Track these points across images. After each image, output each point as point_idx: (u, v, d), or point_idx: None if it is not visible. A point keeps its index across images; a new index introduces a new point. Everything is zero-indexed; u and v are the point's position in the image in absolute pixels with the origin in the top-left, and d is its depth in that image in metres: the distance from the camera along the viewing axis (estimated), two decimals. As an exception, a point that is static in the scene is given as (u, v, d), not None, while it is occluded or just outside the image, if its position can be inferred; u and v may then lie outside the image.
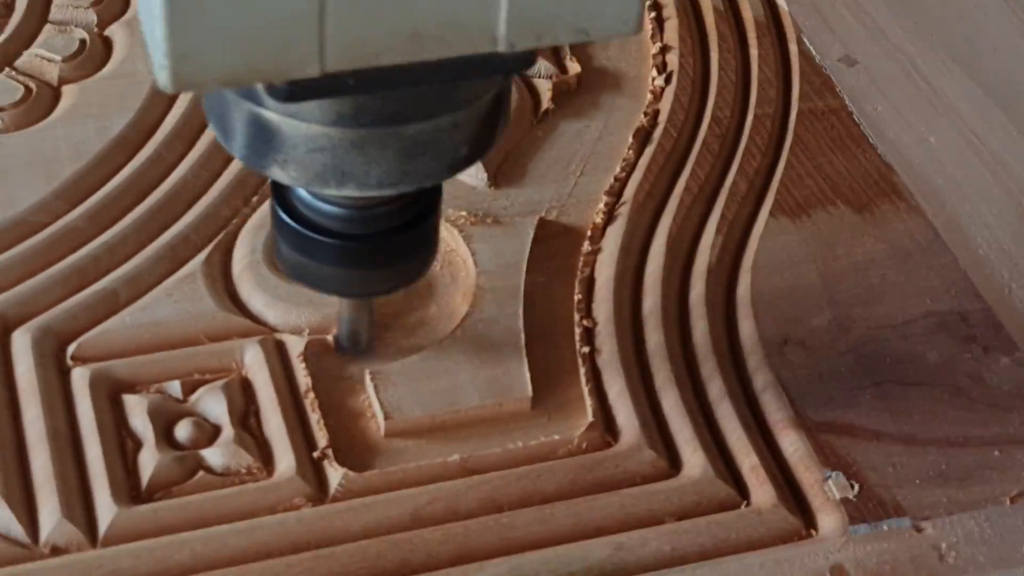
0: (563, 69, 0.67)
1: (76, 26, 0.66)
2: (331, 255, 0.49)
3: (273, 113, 0.43)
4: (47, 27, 0.66)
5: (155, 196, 0.59)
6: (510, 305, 0.57)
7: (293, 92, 0.40)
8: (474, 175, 0.62)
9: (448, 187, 0.60)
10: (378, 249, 0.49)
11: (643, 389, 0.54)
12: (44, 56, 0.64)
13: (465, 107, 0.44)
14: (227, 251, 0.58)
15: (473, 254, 0.58)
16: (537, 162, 0.63)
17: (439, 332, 0.56)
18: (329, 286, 0.51)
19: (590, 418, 0.53)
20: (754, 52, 0.69)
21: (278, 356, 0.54)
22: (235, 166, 0.60)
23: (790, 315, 0.57)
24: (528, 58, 0.42)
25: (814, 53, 0.69)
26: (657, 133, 0.64)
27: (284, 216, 0.49)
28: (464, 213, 0.60)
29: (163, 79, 0.38)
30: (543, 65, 0.66)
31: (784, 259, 0.59)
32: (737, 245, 0.60)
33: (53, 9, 0.67)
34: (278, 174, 0.44)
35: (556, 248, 0.59)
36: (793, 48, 0.69)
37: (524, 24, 0.40)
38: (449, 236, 0.59)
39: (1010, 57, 0.68)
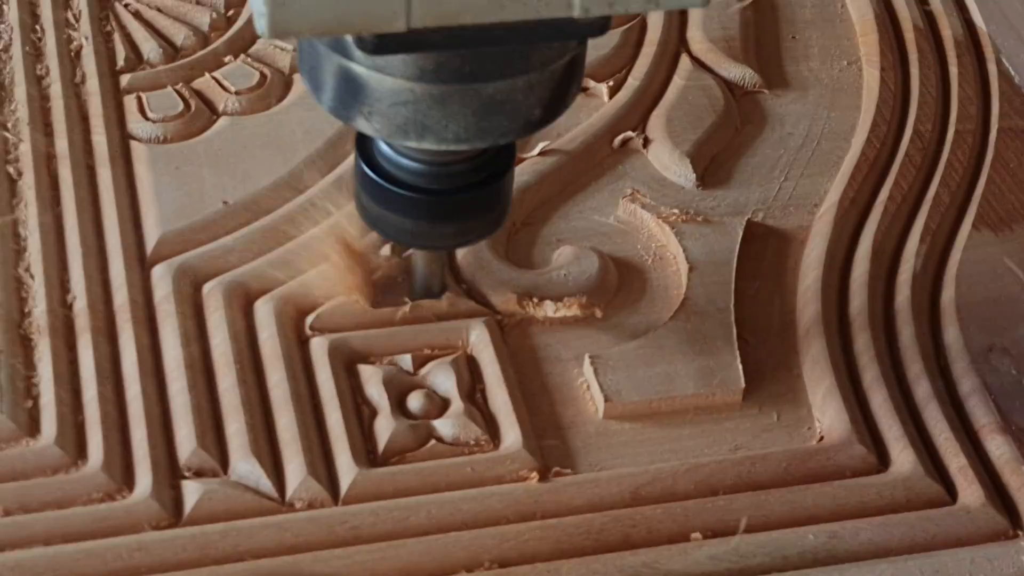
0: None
1: (305, 17, 0.69)
2: (409, 208, 0.51)
3: (361, 67, 0.45)
4: (278, 17, 0.69)
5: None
6: (721, 299, 0.59)
7: (380, 45, 0.42)
8: (683, 175, 0.64)
9: (658, 187, 0.64)
10: (452, 204, 0.51)
11: (851, 387, 0.56)
12: (277, 45, 0.67)
13: (540, 70, 0.46)
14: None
15: (684, 250, 0.61)
16: (743, 166, 0.65)
17: (653, 321, 0.58)
18: (405, 238, 0.53)
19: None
20: (953, 70, 0.70)
21: (501, 336, 0.57)
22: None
23: (994, 323, 0.58)
24: (601, 25, 0.43)
25: (1013, 73, 0.70)
26: (859, 142, 0.66)
27: (366, 169, 0.51)
28: (676, 211, 0.62)
29: (261, 25, 0.40)
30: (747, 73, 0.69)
31: (987, 270, 0.61)
32: (941, 254, 0.62)
33: None
34: (363, 125, 0.47)
35: (763, 248, 0.61)
36: (992, 68, 0.71)
37: None
38: (660, 232, 0.62)
39: None
